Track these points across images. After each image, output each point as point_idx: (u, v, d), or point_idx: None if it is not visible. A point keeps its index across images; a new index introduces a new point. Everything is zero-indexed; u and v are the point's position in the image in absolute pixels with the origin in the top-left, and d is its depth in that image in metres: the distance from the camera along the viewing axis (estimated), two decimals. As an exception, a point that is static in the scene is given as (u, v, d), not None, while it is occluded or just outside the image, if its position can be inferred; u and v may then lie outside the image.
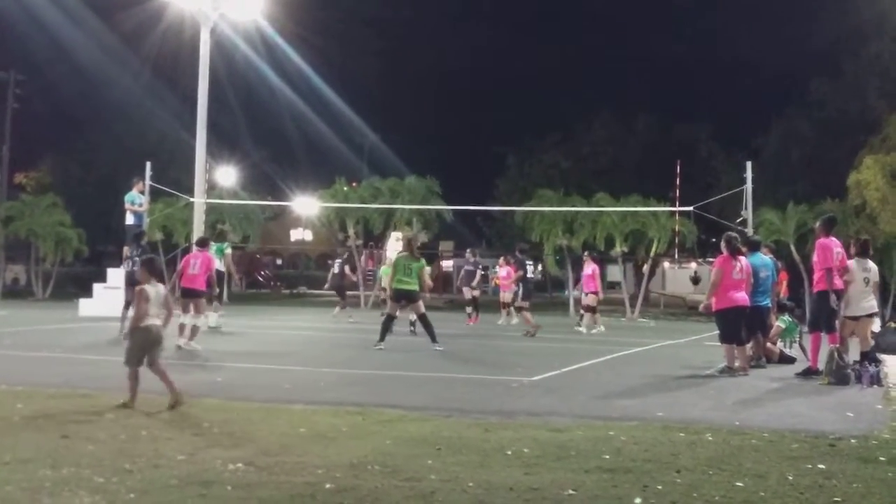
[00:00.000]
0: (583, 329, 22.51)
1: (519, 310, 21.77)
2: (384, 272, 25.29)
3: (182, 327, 14.82)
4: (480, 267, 27.33)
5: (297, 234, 64.32)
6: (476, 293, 26.36)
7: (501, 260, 26.84)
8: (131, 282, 17.57)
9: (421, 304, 15.87)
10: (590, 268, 22.96)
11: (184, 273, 15.79)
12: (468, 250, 28.29)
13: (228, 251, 20.54)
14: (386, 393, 10.36)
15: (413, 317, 17.69)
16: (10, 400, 8.79)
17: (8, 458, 6.30)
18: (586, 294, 22.93)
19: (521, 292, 21.25)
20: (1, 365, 12.35)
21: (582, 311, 23.54)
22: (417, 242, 16.44)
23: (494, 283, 27.50)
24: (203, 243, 16.58)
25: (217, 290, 17.96)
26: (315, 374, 12.26)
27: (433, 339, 15.38)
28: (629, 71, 73.36)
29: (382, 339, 15.50)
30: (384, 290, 25.11)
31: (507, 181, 50.17)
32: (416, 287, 15.67)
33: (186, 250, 30.01)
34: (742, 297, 12.80)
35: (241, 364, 12.95)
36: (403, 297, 15.77)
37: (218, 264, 19.65)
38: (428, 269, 16.73)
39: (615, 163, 46.95)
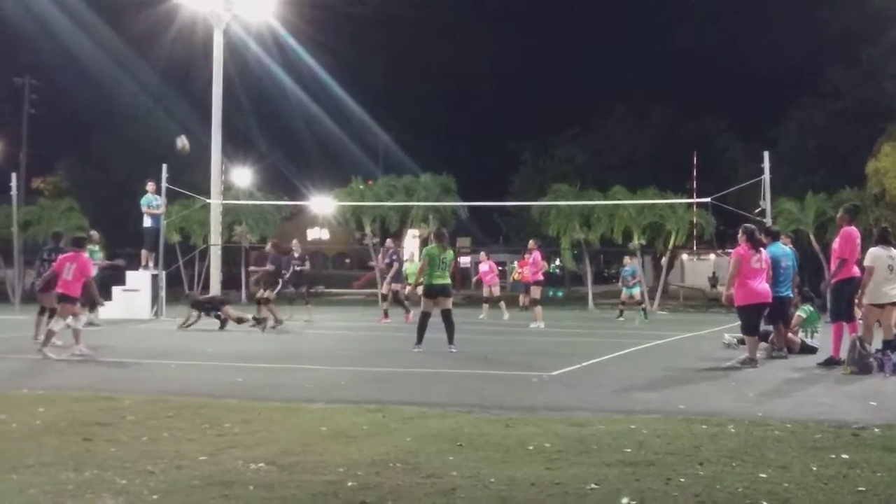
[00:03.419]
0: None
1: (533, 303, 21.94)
2: (410, 270, 25.13)
3: (51, 334, 14.05)
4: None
5: (313, 234, 64.41)
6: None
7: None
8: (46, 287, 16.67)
9: (450, 299, 14.94)
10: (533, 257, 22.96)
11: (59, 276, 14.42)
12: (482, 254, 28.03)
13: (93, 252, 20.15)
14: (405, 390, 10.36)
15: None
16: (32, 404, 8.82)
17: (31, 461, 6.32)
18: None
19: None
20: (23, 369, 12.43)
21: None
22: (446, 236, 15.69)
23: (514, 279, 27.10)
24: (79, 243, 14.99)
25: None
26: (334, 372, 12.26)
27: (451, 340, 14.57)
28: (643, 64, 73.11)
29: (420, 340, 14.68)
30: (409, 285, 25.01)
31: (523, 177, 50.06)
32: (449, 280, 14.89)
33: (204, 252, 30.21)
34: (764, 289, 12.70)
35: (261, 364, 12.96)
36: (439, 293, 14.70)
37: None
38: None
39: (631, 156, 46.73)
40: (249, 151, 49.89)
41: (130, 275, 24.63)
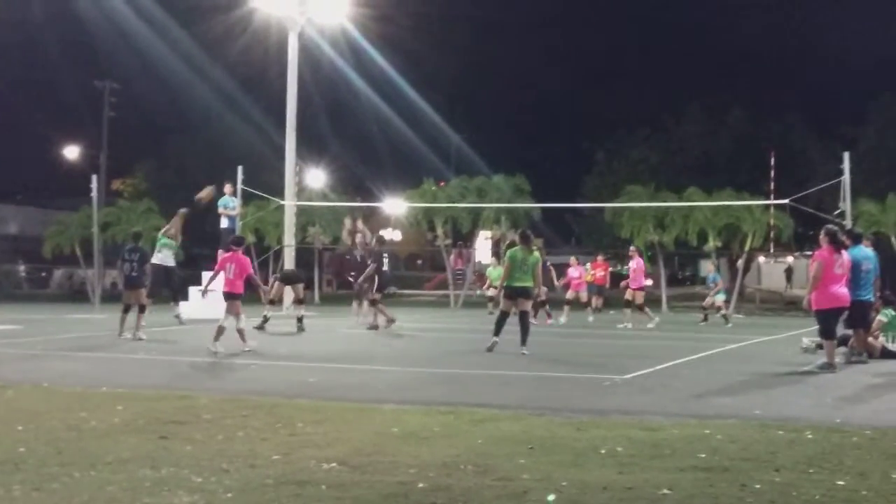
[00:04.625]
0: (628, 325, 22.43)
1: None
2: (493, 274, 25.22)
3: (241, 332, 14.59)
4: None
5: (386, 235, 64.80)
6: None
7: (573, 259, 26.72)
8: (133, 285, 17.64)
9: (530, 302, 15.12)
10: (635, 262, 22.90)
11: (219, 275, 15.47)
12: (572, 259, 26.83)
13: (163, 244, 20.51)
14: (476, 392, 10.35)
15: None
16: (110, 402, 9.01)
17: (109, 458, 6.44)
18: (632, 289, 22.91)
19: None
20: (102, 367, 12.70)
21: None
22: (507, 241, 15.86)
23: (586, 281, 26.58)
24: (238, 242, 15.86)
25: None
26: (405, 373, 12.32)
27: (523, 341, 14.53)
28: (718, 62, 72.13)
29: (497, 334, 14.80)
30: (494, 288, 24.95)
31: (596, 177, 49.72)
32: (530, 284, 14.89)
33: (278, 253, 30.54)
34: (844, 294, 12.42)
35: (333, 364, 13.06)
36: (519, 295, 14.87)
37: (157, 258, 20.13)
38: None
39: (706, 157, 46.10)
40: (323, 153, 50.39)
41: (206, 275, 24.97)
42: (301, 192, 38.02)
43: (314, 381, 11.09)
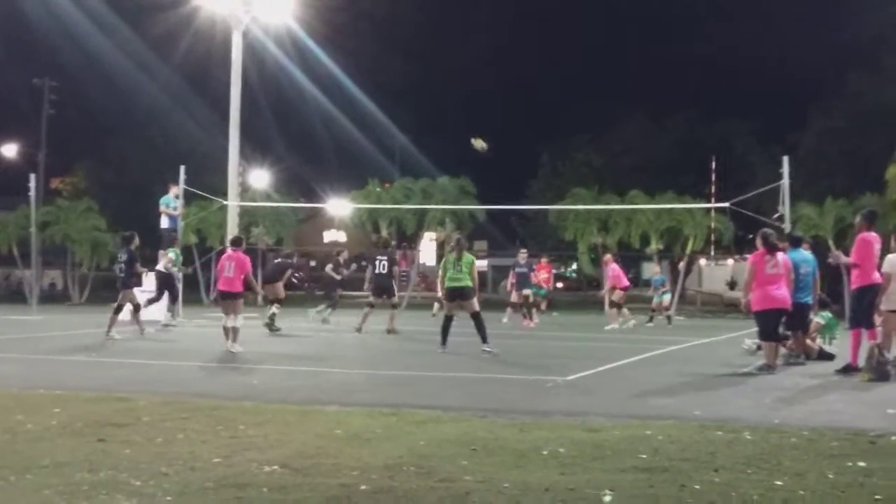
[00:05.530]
0: (615, 325, 22.63)
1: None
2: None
3: (226, 331, 14.93)
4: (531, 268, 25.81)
5: (330, 236, 64.47)
6: (527, 293, 25.55)
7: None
8: (126, 285, 17.80)
9: (475, 301, 15.16)
10: (614, 267, 23.75)
11: (220, 275, 15.84)
12: (522, 252, 26.03)
13: (172, 255, 20.85)
14: (420, 393, 10.34)
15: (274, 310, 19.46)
16: (47, 404, 8.85)
17: (46, 461, 6.34)
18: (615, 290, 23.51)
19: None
20: (39, 369, 12.48)
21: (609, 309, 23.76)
22: (451, 242, 15.91)
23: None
24: (237, 242, 16.28)
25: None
26: (349, 375, 12.27)
27: (484, 339, 14.80)
28: (662, 67, 72.93)
29: (444, 342, 15.10)
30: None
31: (541, 180, 50.07)
32: (468, 283, 15.08)
33: (220, 253, 30.28)
34: (782, 295, 12.59)
35: (277, 366, 12.99)
36: (457, 296, 15.13)
37: (161, 266, 21.11)
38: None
39: (649, 160, 46.67)
40: (267, 153, 50.05)
41: (147, 277, 24.67)
42: (244, 192, 37.75)
43: (257, 384, 11.00)
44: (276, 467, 6.23)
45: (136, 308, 18.15)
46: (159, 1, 33.42)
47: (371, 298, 20.17)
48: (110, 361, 13.54)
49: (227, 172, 27.93)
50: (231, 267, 15.25)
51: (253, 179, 45.24)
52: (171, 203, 23.10)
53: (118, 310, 17.83)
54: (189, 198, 26.63)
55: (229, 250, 15.98)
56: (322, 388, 10.70)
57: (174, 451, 6.73)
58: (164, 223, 23.10)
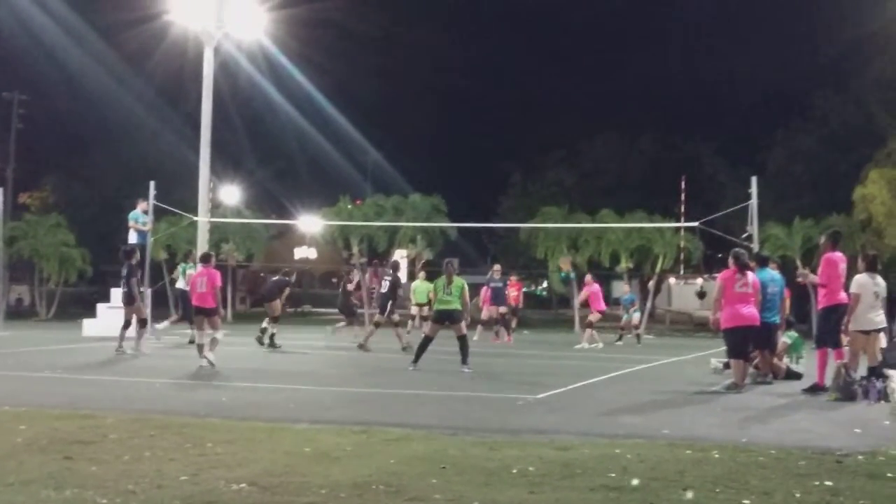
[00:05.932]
0: (585, 345, 22.65)
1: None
2: (418, 289, 26.16)
3: (201, 347, 14.92)
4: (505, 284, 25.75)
5: (301, 253, 64.28)
6: (504, 310, 25.58)
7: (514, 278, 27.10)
8: (128, 301, 17.90)
9: (463, 325, 15.35)
10: (594, 287, 23.83)
11: (193, 292, 15.88)
12: (496, 267, 26.28)
13: (191, 271, 20.81)
14: (390, 411, 10.33)
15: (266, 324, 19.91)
16: (13, 421, 8.75)
17: (11, 479, 6.27)
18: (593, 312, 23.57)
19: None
20: (4, 386, 12.32)
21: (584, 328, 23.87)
22: (422, 259, 16.15)
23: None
24: (206, 259, 16.51)
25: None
26: (319, 392, 12.22)
27: (464, 360, 15.00)
28: (632, 88, 73.27)
29: (416, 360, 15.19)
30: (418, 305, 26.04)
31: (512, 198, 50.19)
32: (457, 306, 15.22)
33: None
34: (751, 313, 12.69)
35: (246, 383, 12.93)
36: (446, 318, 15.28)
37: (181, 284, 21.40)
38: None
39: (619, 179, 46.98)
40: (238, 169, 49.81)
41: (115, 291, 24.48)
42: (215, 208, 37.53)
43: (226, 401, 10.94)
44: (243, 485, 6.20)
45: (143, 323, 18.25)
46: (131, 16, 33.36)
47: (378, 317, 20.33)
48: (76, 378, 13.41)
49: (197, 188, 27.70)
50: (203, 282, 15.49)
51: (224, 195, 45.03)
52: (140, 218, 22.88)
53: (126, 325, 17.97)
54: (159, 213, 26.44)
55: (200, 266, 16.06)
56: (291, 405, 10.65)
57: (141, 469, 6.67)
58: (133, 238, 22.89)
